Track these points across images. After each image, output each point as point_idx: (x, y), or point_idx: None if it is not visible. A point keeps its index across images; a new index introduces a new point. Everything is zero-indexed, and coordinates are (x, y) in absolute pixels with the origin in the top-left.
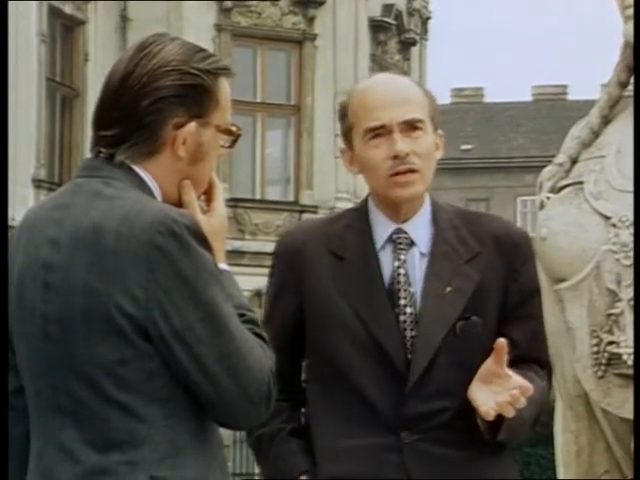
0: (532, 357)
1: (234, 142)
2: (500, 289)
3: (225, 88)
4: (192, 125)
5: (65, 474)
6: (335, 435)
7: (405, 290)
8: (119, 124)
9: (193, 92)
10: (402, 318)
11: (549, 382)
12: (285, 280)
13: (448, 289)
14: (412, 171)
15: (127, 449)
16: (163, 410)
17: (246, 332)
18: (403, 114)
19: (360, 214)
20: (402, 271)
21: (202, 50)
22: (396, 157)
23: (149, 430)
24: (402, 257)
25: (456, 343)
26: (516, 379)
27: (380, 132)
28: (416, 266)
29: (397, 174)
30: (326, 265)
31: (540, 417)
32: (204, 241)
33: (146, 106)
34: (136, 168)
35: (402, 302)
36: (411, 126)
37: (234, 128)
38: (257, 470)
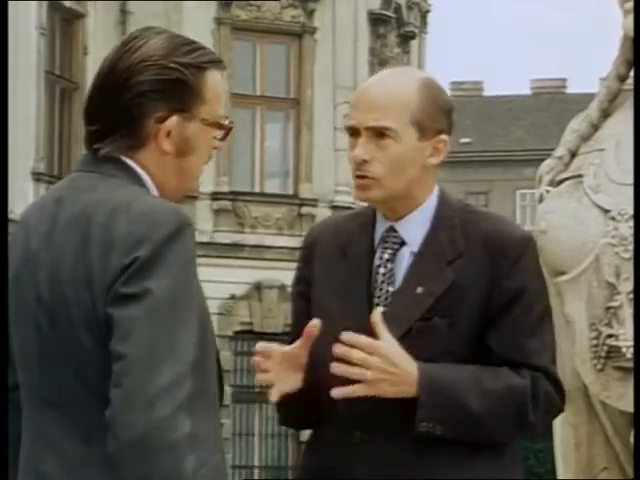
0: (515, 363)
1: (226, 135)
2: (482, 291)
3: (213, 81)
4: (173, 119)
5: (50, 468)
6: (313, 432)
7: (381, 289)
8: (103, 119)
9: (173, 86)
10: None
11: (555, 387)
12: (300, 272)
13: (419, 289)
14: (369, 177)
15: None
16: None
17: (196, 344)
18: (370, 120)
19: (372, 210)
20: (382, 270)
21: (189, 43)
22: (355, 161)
23: None
24: (385, 256)
25: (413, 344)
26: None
27: (353, 132)
28: (403, 265)
29: (358, 177)
30: (331, 261)
31: (526, 415)
32: (189, 235)
33: (127, 101)
34: (129, 161)
35: (375, 301)
36: (378, 133)
37: (226, 121)
38: (257, 462)
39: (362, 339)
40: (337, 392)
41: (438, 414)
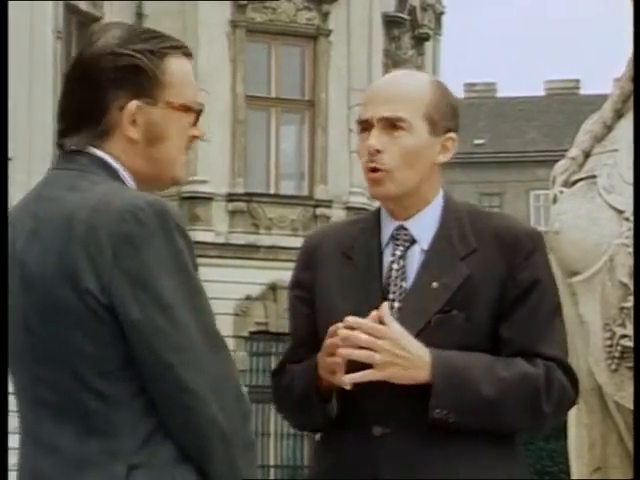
0: (530, 353)
1: (197, 119)
2: (496, 285)
3: (176, 66)
4: (133, 104)
5: (47, 467)
6: (326, 431)
7: (396, 285)
8: (68, 115)
9: (129, 73)
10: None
11: (569, 378)
12: (300, 278)
13: (435, 284)
14: (381, 170)
15: (105, 438)
16: (142, 397)
17: (209, 329)
18: (384, 110)
19: (375, 215)
20: (395, 266)
21: (149, 32)
22: (369, 152)
23: (127, 417)
24: (397, 253)
25: (432, 337)
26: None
27: (366, 126)
28: (415, 263)
29: (371, 171)
30: (335, 266)
31: (539, 404)
32: (175, 229)
33: (88, 94)
34: (98, 152)
35: (391, 297)
36: (392, 124)
37: (195, 105)
38: (272, 462)
39: (366, 322)
40: (349, 378)
41: (452, 400)
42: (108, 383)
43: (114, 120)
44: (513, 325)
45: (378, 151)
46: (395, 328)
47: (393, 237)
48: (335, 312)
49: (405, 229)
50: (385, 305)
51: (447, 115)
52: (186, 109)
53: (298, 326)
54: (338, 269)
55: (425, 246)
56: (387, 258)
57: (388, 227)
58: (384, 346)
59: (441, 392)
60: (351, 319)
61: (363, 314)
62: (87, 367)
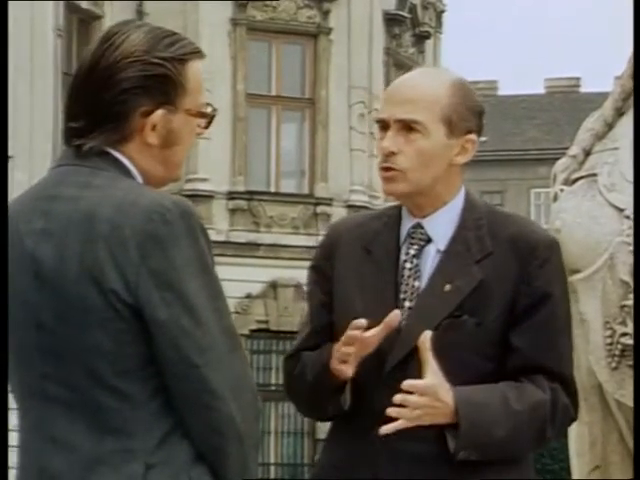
0: (537, 367)
1: (209, 123)
2: (509, 291)
3: (194, 72)
4: (159, 113)
5: (59, 464)
6: (333, 428)
7: (407, 284)
8: (86, 116)
9: (157, 82)
10: (399, 312)
11: (571, 398)
12: (320, 264)
13: (447, 287)
14: (395, 169)
15: (121, 436)
16: (159, 396)
17: (230, 330)
18: (400, 112)
19: (398, 210)
20: (408, 265)
21: (169, 35)
22: (384, 153)
23: (144, 416)
24: (411, 252)
25: (441, 341)
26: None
27: (384, 125)
28: (429, 262)
29: (385, 170)
30: (356, 259)
31: (544, 432)
32: (199, 230)
33: (111, 98)
34: (116, 153)
35: (402, 296)
36: (407, 126)
37: (208, 109)
38: (273, 460)
39: (419, 386)
40: (385, 429)
41: (474, 442)
42: (126, 382)
43: (135, 124)
44: (523, 334)
45: (393, 152)
46: (434, 375)
47: (409, 235)
48: (351, 305)
49: (421, 227)
50: (427, 337)
51: (467, 116)
52: (202, 115)
53: (314, 314)
54: (358, 262)
55: (441, 246)
56: (403, 256)
57: (406, 224)
58: (427, 403)
59: (466, 435)
60: (407, 383)
61: (376, 309)
62: (105, 365)
